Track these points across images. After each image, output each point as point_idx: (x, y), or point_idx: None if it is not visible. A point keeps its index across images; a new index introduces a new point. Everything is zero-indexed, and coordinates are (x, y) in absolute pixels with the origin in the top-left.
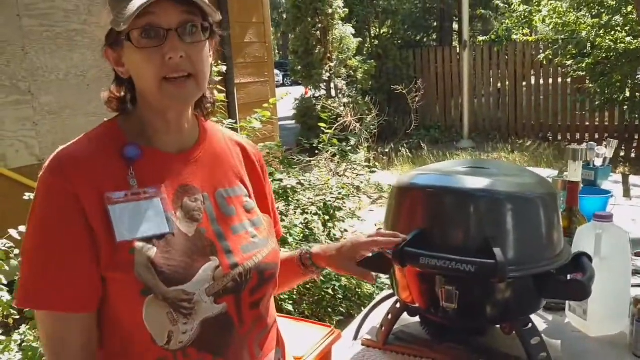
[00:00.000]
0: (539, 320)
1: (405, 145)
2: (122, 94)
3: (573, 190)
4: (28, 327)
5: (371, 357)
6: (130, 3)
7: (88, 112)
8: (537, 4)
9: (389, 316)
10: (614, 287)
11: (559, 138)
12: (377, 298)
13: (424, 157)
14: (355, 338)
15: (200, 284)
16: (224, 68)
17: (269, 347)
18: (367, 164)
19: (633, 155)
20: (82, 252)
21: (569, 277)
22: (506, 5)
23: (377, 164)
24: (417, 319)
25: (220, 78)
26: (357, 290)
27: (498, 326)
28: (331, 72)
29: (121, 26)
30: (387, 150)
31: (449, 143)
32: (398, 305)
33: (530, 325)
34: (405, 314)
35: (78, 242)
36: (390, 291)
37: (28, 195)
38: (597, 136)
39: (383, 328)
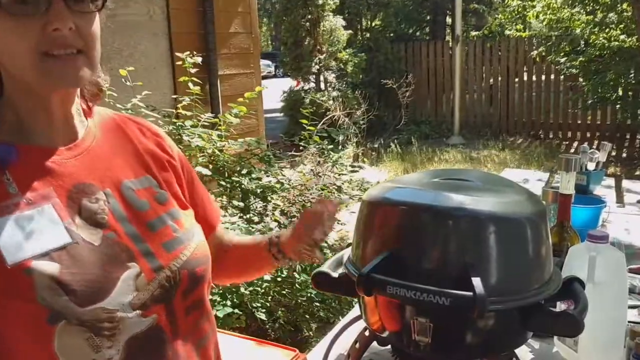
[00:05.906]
0: (525, 349)
1: (395, 140)
2: None
3: (565, 204)
4: None
5: None
6: None
7: None
8: None
9: (357, 345)
10: (608, 316)
11: (551, 136)
12: (344, 320)
13: (413, 153)
14: None
15: (121, 297)
16: (199, 59)
17: None
18: (352, 162)
19: (624, 155)
20: None
21: (559, 305)
22: (500, 0)
23: (365, 159)
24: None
25: (195, 70)
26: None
27: None
28: (321, 65)
29: None
30: (376, 145)
31: (439, 139)
32: (367, 332)
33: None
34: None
35: None
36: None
37: None
38: (588, 135)
39: (350, 358)
